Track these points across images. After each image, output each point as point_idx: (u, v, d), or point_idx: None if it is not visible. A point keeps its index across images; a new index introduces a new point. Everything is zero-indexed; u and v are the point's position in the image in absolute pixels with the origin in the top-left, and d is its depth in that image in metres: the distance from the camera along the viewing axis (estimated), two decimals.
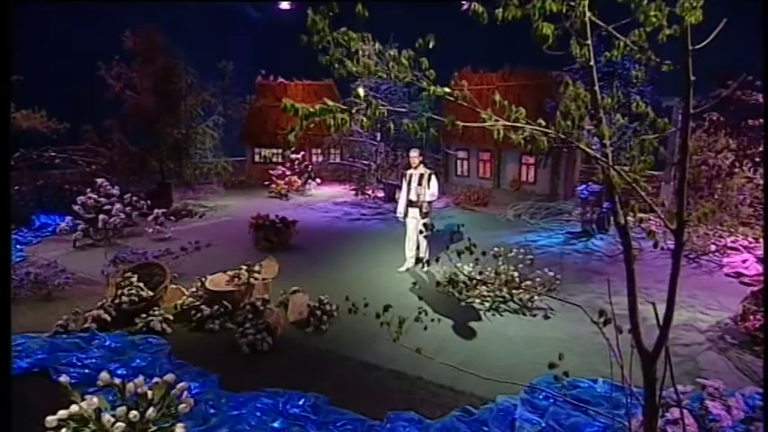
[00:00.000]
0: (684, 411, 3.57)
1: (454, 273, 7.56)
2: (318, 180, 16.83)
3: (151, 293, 6.32)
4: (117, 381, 3.59)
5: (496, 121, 2.26)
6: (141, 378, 3.48)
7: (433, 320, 4.33)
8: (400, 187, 15.20)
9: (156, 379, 3.68)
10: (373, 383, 4.96)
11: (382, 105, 2.41)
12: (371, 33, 2.50)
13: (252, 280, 6.44)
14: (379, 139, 14.97)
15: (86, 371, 4.82)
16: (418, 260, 8.49)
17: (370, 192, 15.16)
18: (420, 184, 8.01)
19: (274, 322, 5.88)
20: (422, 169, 8.11)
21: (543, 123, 2.43)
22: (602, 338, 5.83)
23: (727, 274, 8.31)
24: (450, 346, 5.74)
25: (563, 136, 2.30)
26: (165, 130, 13.55)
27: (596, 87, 2.30)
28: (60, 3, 17.25)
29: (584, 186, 11.00)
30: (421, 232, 8.18)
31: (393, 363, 5.28)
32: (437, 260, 3.94)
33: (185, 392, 3.57)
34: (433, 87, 2.30)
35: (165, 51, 13.58)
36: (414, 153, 8.15)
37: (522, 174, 14.33)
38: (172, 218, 11.02)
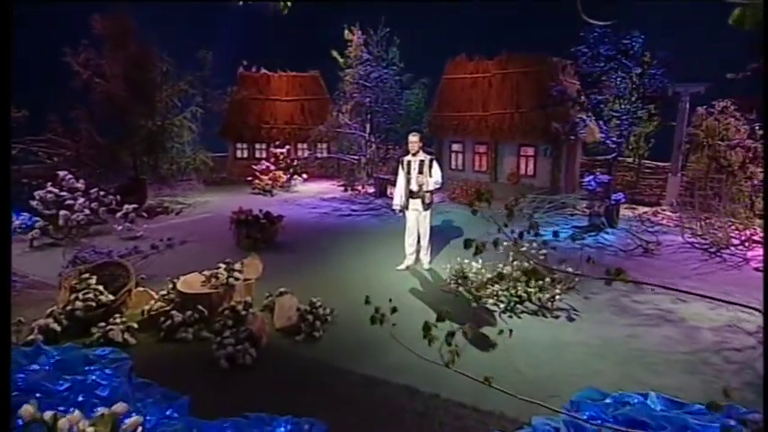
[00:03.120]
0: None
1: (461, 270, 6.75)
2: (305, 175, 15.91)
3: (112, 298, 5.38)
4: (47, 415, 2.68)
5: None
6: (77, 413, 2.57)
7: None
8: (392, 182, 14.46)
9: (100, 410, 2.78)
10: (380, 403, 4.09)
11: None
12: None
13: (232, 281, 5.53)
14: (368, 131, 14.11)
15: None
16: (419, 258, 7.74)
17: (360, 187, 14.28)
18: (421, 171, 7.16)
19: (258, 330, 4.98)
20: (421, 155, 7.26)
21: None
22: (638, 343, 5.01)
23: (756, 269, 7.62)
24: (466, 354, 4.88)
25: None
26: (138, 121, 12.54)
27: None
28: None
29: (591, 177, 10.29)
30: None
31: (403, 376, 4.43)
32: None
33: (139, 429, 2.67)
34: None
35: (138, 37, 12.58)
36: (413, 137, 7.28)
37: (521, 166, 13.59)
38: (144, 215, 10.04)
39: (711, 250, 8.55)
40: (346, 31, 14.07)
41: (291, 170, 15.88)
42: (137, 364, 4.58)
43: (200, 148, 14.21)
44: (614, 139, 9.76)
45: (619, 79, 9.38)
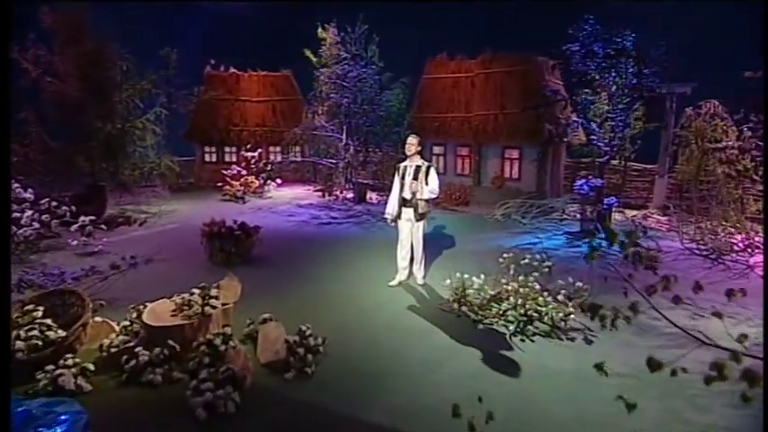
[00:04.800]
0: None
1: (462, 286, 6.15)
2: (279, 180, 15.08)
3: (63, 334, 4.53)
4: None
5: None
6: None
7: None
8: (371, 187, 13.83)
9: None
10: None
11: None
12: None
13: (208, 309, 4.75)
14: (346, 133, 13.39)
15: None
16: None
17: (338, 192, 13.57)
18: (416, 178, 6.54)
19: (241, 368, 4.24)
20: (418, 161, 6.65)
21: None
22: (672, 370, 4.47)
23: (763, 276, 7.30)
24: (483, 389, 4.27)
25: None
26: (96, 124, 11.47)
27: None
28: None
29: (583, 181, 9.87)
30: None
31: (413, 421, 3.79)
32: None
33: None
34: None
35: (94, 32, 11.53)
36: (413, 139, 6.66)
37: (506, 169, 13.15)
38: (103, 227, 9.05)
39: (712, 257, 8.24)
40: (320, 29, 13.34)
41: (264, 175, 15.04)
42: (93, 418, 3.77)
43: (164, 152, 13.20)
44: (607, 141, 9.36)
45: (612, 79, 8.98)
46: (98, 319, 5.16)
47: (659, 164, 11.94)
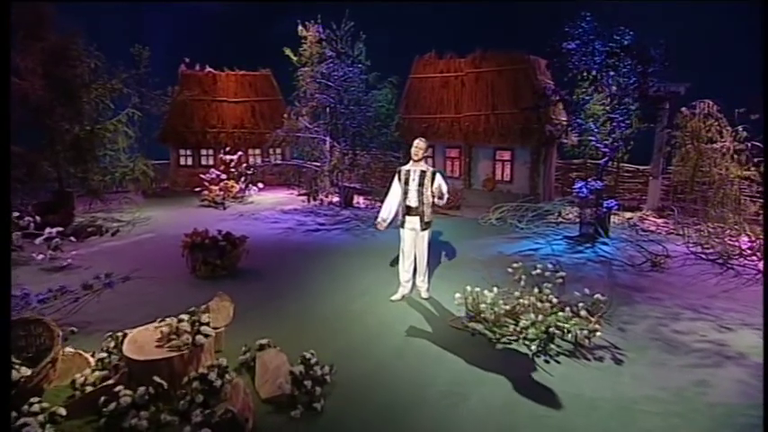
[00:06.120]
0: None
1: (475, 301, 5.68)
2: (260, 184, 14.39)
3: (27, 373, 3.87)
4: None
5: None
6: None
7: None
8: (359, 191, 13.28)
9: None
10: None
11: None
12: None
13: (200, 338, 4.15)
14: (331, 135, 12.79)
15: None
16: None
17: (323, 196, 12.98)
18: (422, 184, 6.03)
19: (241, 408, 3.66)
20: (423, 165, 6.14)
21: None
22: (712, 394, 4.05)
23: None
24: (515, 423, 3.80)
25: None
26: (62, 126, 10.65)
27: None
28: None
29: (582, 184, 9.54)
30: None
31: None
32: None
33: None
34: None
35: (58, 27, 10.70)
36: (421, 143, 6.12)
37: (497, 171, 12.78)
38: (72, 238, 8.29)
39: (719, 261, 7.99)
40: (300, 27, 12.72)
41: (244, 179, 14.33)
42: None
43: (138, 155, 12.37)
44: (609, 142, 9.06)
45: (612, 78, 8.68)
46: (69, 349, 4.49)
47: (653, 165, 11.76)
